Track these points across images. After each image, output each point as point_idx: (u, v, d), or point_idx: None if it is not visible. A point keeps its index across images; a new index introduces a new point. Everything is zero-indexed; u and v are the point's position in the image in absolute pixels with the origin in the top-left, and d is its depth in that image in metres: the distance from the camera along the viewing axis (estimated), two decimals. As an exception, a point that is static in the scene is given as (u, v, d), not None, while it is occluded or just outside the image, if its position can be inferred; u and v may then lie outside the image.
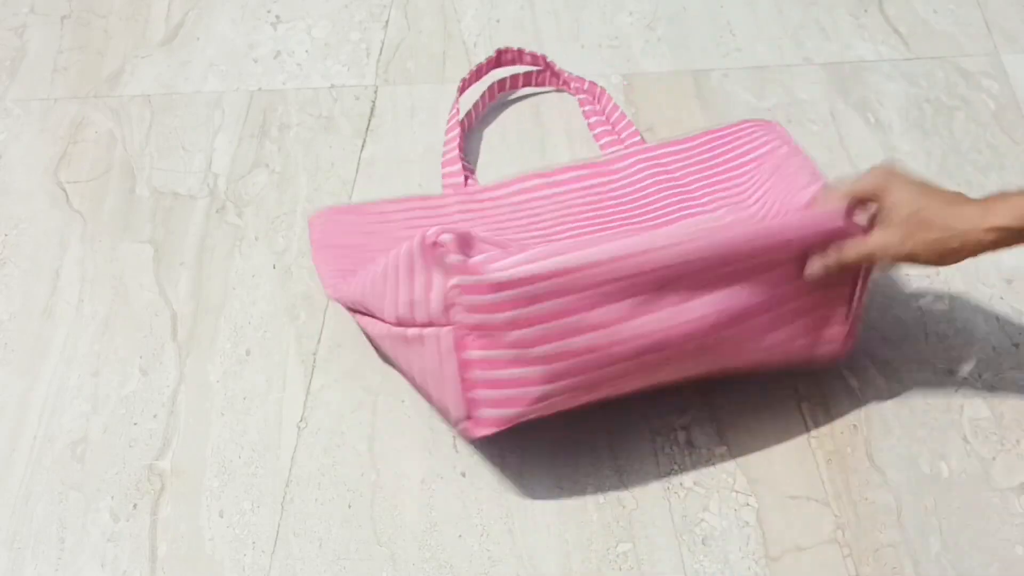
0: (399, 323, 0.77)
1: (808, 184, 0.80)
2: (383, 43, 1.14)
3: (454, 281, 0.71)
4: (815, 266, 0.75)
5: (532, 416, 0.75)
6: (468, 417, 0.75)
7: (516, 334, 0.72)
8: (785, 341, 0.78)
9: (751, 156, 0.91)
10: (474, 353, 0.73)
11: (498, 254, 0.71)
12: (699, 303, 0.73)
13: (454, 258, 0.71)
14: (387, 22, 1.16)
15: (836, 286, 0.77)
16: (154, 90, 1.11)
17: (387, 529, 0.78)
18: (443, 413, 0.78)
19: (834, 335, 0.80)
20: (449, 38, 1.14)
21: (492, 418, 0.75)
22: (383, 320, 0.79)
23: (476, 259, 0.71)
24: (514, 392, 0.74)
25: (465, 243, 0.72)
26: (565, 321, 0.72)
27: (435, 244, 0.71)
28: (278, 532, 0.79)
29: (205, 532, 0.79)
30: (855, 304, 0.78)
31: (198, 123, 1.08)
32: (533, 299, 0.71)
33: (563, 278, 0.71)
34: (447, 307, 0.72)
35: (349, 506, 0.80)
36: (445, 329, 0.73)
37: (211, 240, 0.97)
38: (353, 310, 0.85)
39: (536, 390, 0.74)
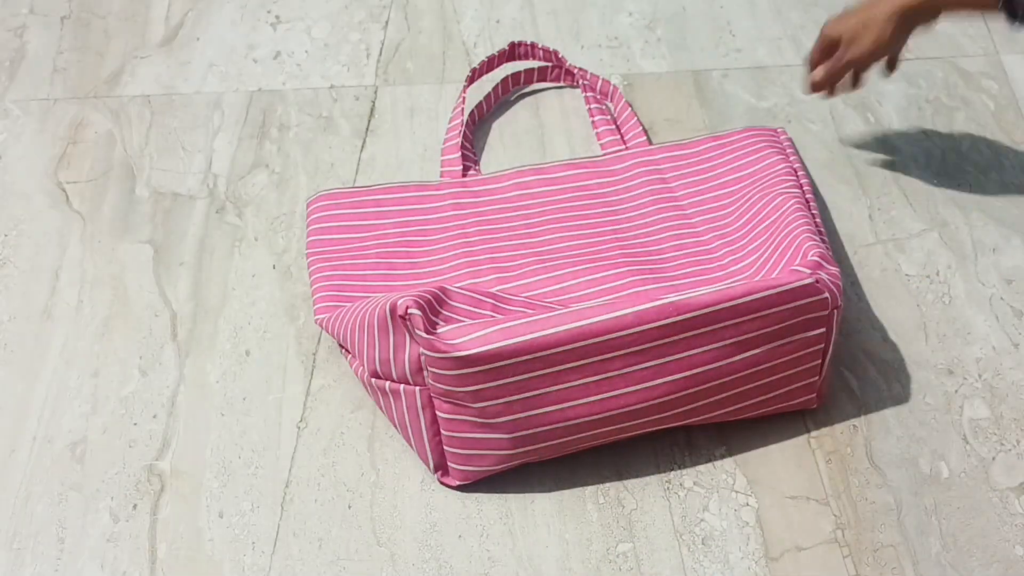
0: (374, 375, 0.80)
1: (795, 222, 0.81)
2: (383, 44, 1.14)
3: (421, 350, 0.73)
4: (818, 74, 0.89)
5: (502, 471, 0.78)
6: (439, 469, 0.79)
7: (480, 405, 0.74)
8: (759, 400, 0.79)
9: (747, 172, 0.91)
10: (443, 413, 0.76)
11: (463, 327, 0.73)
12: (668, 369, 0.74)
13: (420, 334, 0.72)
14: (387, 23, 1.16)
15: (810, 343, 0.77)
16: (154, 91, 1.11)
17: (387, 529, 0.78)
18: (420, 456, 0.80)
19: (807, 390, 0.80)
20: (449, 39, 1.14)
21: (462, 472, 0.78)
22: (363, 366, 0.81)
23: (442, 331, 0.73)
24: (481, 452, 0.77)
25: (434, 309, 0.74)
26: (528, 395, 0.74)
27: (403, 317, 0.73)
28: (278, 532, 0.79)
29: (205, 533, 0.79)
30: (826, 358, 0.79)
31: (198, 123, 1.08)
32: (495, 375, 0.73)
33: (525, 356, 0.72)
34: (418, 370, 0.75)
35: (349, 506, 0.80)
36: (418, 388, 0.76)
37: (211, 240, 0.97)
38: (339, 344, 0.86)
39: (502, 453, 0.77)
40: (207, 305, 0.93)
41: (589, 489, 0.80)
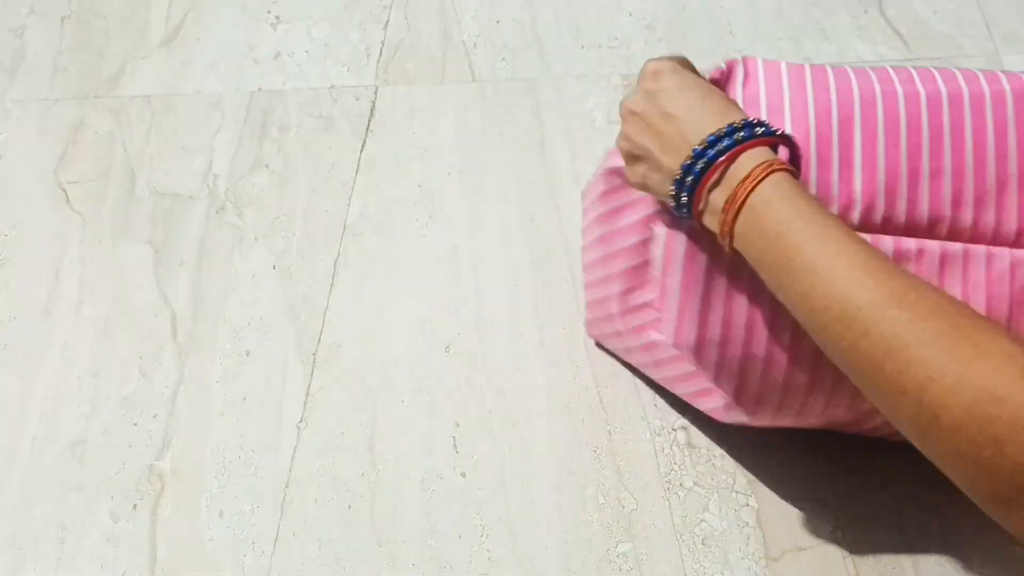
0: None
1: None
2: (383, 44, 1.14)
3: None
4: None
5: None
6: None
7: None
8: None
9: None
10: None
11: None
12: None
13: None
14: (387, 23, 1.16)
15: None
16: (154, 91, 1.11)
17: (387, 529, 0.78)
18: None
19: None
20: (449, 39, 1.14)
21: None
22: None
23: None
24: None
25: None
26: None
27: None
28: (278, 533, 0.79)
29: (205, 533, 0.79)
30: None
31: (198, 124, 1.08)
32: None
33: None
34: None
35: (349, 506, 0.80)
36: None
37: (211, 241, 0.97)
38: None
39: None
40: (207, 305, 0.93)
41: (589, 489, 0.80)
